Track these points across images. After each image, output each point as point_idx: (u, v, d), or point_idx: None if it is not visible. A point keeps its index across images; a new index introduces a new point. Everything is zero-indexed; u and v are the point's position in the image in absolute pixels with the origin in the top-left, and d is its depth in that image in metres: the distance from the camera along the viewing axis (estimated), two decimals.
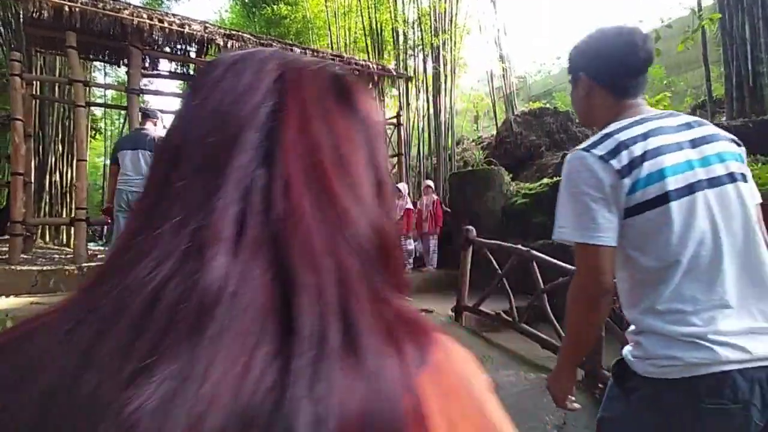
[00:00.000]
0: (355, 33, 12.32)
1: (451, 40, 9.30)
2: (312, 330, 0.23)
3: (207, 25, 5.98)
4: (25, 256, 5.33)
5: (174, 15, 5.96)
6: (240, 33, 6.12)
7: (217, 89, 0.29)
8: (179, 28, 5.49)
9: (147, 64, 6.53)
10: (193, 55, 6.45)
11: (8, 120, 4.73)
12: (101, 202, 15.87)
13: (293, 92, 0.29)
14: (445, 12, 9.37)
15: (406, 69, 10.27)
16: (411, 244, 6.63)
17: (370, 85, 7.85)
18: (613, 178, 0.87)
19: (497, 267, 3.50)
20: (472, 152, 11.90)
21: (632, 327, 0.95)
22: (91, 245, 10.45)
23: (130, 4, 5.56)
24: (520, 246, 3.46)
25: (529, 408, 2.29)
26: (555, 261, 3.00)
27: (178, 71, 6.75)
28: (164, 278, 0.23)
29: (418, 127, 11.29)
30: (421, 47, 9.99)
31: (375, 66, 7.67)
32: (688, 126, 0.93)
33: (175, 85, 8.10)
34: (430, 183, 6.87)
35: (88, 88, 6.67)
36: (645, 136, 0.89)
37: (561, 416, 2.17)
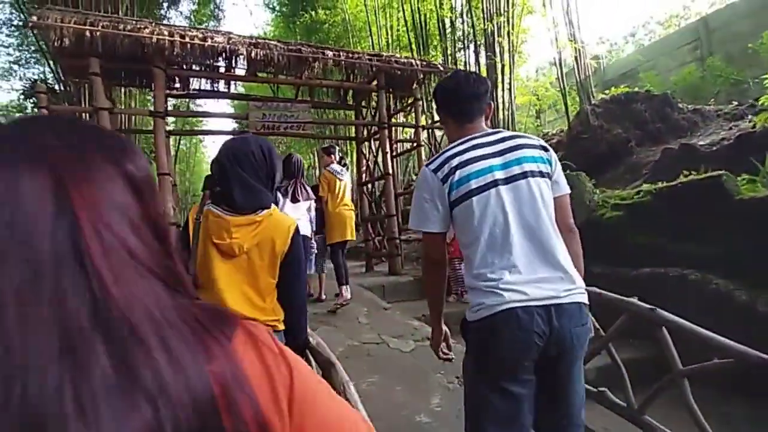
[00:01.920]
0: (398, 30, 11.55)
1: (508, 23, 8.15)
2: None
3: (231, 36, 5.50)
4: None
5: (196, 29, 5.55)
6: (266, 41, 5.58)
7: None
8: (200, 42, 5.04)
9: (178, 85, 6.24)
10: (222, 70, 6.04)
11: None
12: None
13: (79, 200, 0.34)
14: None
15: (455, 64, 9.28)
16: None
17: (415, 86, 7.00)
18: (438, 184, 1.30)
19: (599, 328, 2.41)
20: None
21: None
22: None
23: (152, 22, 5.21)
24: (637, 301, 2.21)
25: None
26: (698, 329, 1.90)
27: (208, 89, 6.37)
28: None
29: None
30: (472, 36, 8.94)
31: (419, 63, 6.80)
32: (503, 140, 1.33)
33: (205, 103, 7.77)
34: None
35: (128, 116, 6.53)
36: (463, 152, 1.31)
37: None
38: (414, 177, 14.61)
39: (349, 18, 11.91)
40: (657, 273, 4.20)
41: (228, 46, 5.19)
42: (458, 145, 1.33)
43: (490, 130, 1.38)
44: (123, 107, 7.77)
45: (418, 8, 9.70)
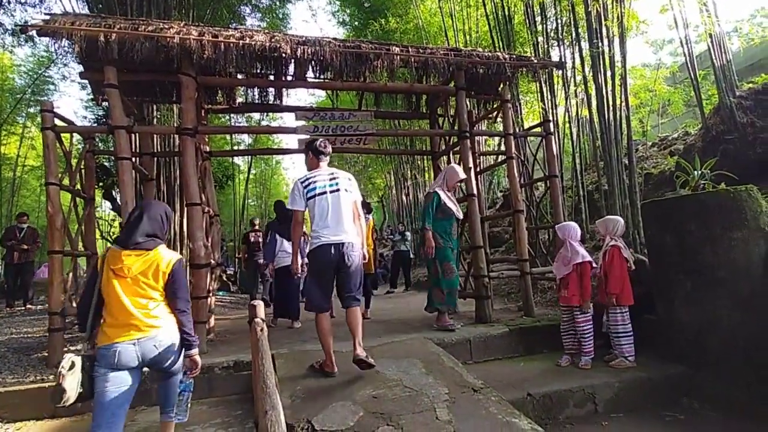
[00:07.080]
0: (477, 32, 10.12)
1: (618, 3, 6.32)
2: None
3: (274, 34, 4.49)
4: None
5: (235, 29, 4.62)
6: (317, 38, 4.48)
7: None
8: (235, 41, 4.06)
9: (221, 98, 5.40)
10: (272, 77, 5.06)
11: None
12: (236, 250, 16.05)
13: None
14: None
15: (549, 59, 7.58)
16: (587, 318, 3.90)
17: (502, 86, 5.48)
18: (302, 189, 3.08)
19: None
20: (656, 160, 8.32)
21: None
22: (220, 294, 9.69)
23: (181, 21, 4.37)
24: None
25: None
26: None
27: (254, 101, 5.43)
28: None
29: (569, 133, 8.38)
30: (571, 23, 7.22)
31: (507, 57, 5.29)
32: (332, 173, 3.16)
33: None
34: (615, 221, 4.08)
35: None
36: (315, 175, 3.13)
37: None
38: (498, 194, 12.81)
39: (422, 24, 10.77)
40: None
41: (269, 44, 4.16)
42: (315, 172, 3.13)
43: (329, 168, 3.19)
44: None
45: (503, 3, 8.19)
